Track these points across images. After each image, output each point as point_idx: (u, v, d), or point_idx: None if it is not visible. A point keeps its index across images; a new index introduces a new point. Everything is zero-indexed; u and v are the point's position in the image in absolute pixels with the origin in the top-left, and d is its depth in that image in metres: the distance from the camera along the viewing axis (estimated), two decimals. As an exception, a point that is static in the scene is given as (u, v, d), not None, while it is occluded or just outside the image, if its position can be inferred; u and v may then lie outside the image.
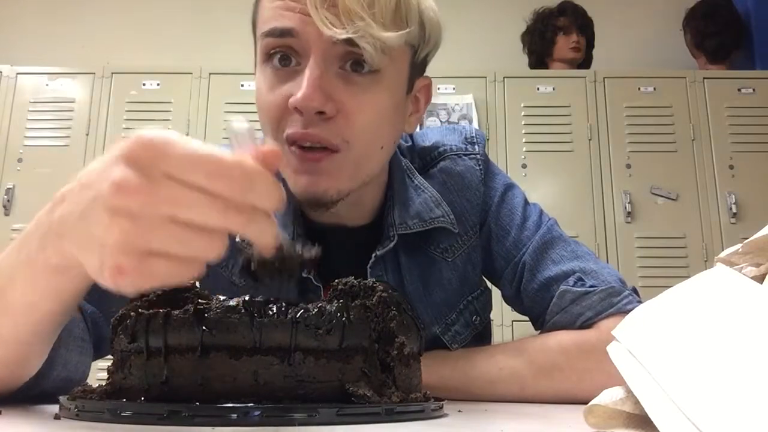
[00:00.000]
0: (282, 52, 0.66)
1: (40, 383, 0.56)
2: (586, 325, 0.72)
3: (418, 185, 0.80)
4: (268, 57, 0.67)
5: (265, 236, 0.39)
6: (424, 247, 0.79)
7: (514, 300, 0.82)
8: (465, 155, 0.84)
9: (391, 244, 0.76)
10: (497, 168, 0.87)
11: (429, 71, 0.78)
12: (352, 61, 0.65)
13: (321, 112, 0.64)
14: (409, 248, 0.78)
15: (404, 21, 0.66)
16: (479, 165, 0.83)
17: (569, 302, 0.73)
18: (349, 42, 0.62)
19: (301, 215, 0.76)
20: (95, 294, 0.67)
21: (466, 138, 0.85)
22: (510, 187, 0.85)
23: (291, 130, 0.65)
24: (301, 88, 0.62)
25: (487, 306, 0.86)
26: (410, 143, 0.85)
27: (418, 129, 0.86)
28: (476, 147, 0.84)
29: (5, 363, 0.51)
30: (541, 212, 0.83)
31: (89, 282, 0.46)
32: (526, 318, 0.83)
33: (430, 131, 0.88)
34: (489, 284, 0.88)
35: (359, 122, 0.66)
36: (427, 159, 0.84)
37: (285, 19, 0.64)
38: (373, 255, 0.76)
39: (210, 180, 0.36)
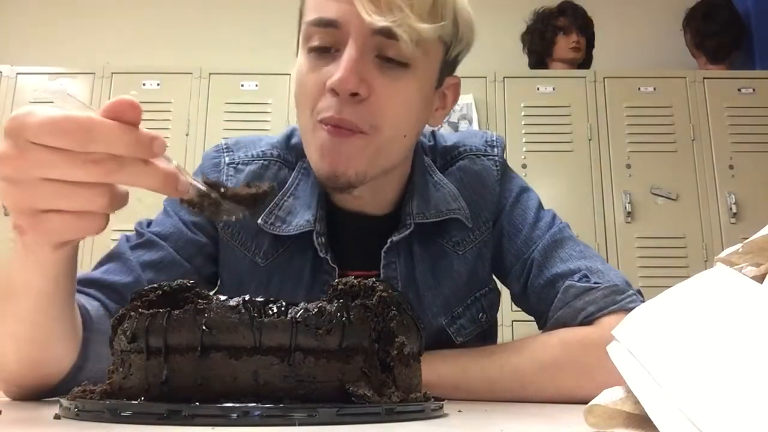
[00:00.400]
0: (323, 42, 0.70)
1: (79, 375, 0.60)
2: (588, 320, 0.73)
3: (438, 181, 0.84)
4: (310, 42, 0.71)
5: (146, 181, 0.43)
6: (437, 239, 0.82)
7: (520, 297, 0.83)
8: (484, 156, 0.87)
9: (407, 231, 0.79)
10: (515, 172, 0.90)
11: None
12: (387, 52, 0.69)
13: (355, 94, 0.68)
14: (423, 239, 0.81)
15: (440, 16, 0.70)
16: (497, 166, 0.86)
17: (573, 297, 0.74)
18: (387, 32, 0.66)
19: (325, 200, 0.80)
20: (118, 293, 0.70)
21: (486, 141, 0.89)
22: (525, 190, 0.88)
23: (327, 113, 0.69)
24: (338, 70, 0.67)
25: (494, 305, 0.88)
26: (432, 143, 0.89)
27: (441, 129, 0.88)
28: (495, 150, 0.88)
29: (29, 342, 0.56)
30: (554, 215, 0.85)
31: (70, 255, 0.52)
32: (527, 318, 0.83)
33: (453, 134, 0.92)
34: (498, 285, 0.89)
35: (388, 108, 0.70)
36: (447, 158, 0.87)
37: (329, 10, 0.69)
38: (389, 240, 0.79)
39: (54, 138, 0.41)
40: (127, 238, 0.78)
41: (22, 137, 0.41)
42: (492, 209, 0.84)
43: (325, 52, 0.70)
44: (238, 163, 0.83)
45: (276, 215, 0.79)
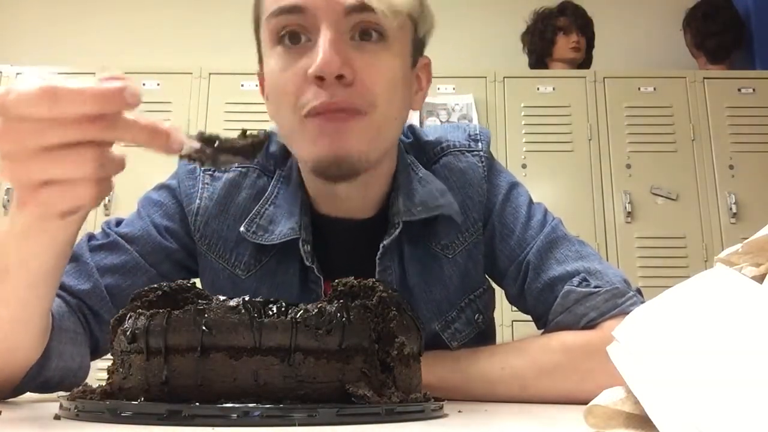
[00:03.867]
0: (291, 30, 0.67)
1: (42, 372, 0.61)
2: (590, 325, 0.72)
3: (423, 177, 0.80)
4: (277, 38, 0.68)
5: (132, 135, 0.45)
6: (426, 242, 0.79)
7: (517, 299, 0.82)
8: (468, 152, 0.84)
9: (396, 232, 0.76)
10: (501, 166, 0.87)
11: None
12: (360, 31, 0.67)
13: (341, 77, 0.65)
14: (412, 240, 0.79)
15: None
16: (482, 162, 0.83)
17: (573, 302, 0.73)
18: (360, 7, 0.64)
19: (308, 208, 0.78)
20: (75, 296, 0.69)
21: (469, 135, 0.85)
22: (514, 185, 0.85)
23: (316, 101, 0.65)
24: (318, 55, 0.64)
25: (490, 304, 0.86)
26: (412, 139, 0.85)
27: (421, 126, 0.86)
28: (479, 144, 0.85)
29: (10, 323, 0.56)
30: (545, 211, 0.83)
31: (77, 227, 0.52)
32: (527, 318, 0.82)
33: (434, 128, 0.89)
34: (492, 284, 0.87)
35: (378, 87, 0.67)
36: (430, 154, 0.84)
37: None
38: (381, 245, 0.76)
39: (30, 108, 0.42)
40: (90, 237, 0.76)
41: (9, 112, 0.43)
42: (481, 209, 0.81)
43: (296, 44, 0.67)
44: (214, 170, 0.80)
45: (258, 224, 0.76)
